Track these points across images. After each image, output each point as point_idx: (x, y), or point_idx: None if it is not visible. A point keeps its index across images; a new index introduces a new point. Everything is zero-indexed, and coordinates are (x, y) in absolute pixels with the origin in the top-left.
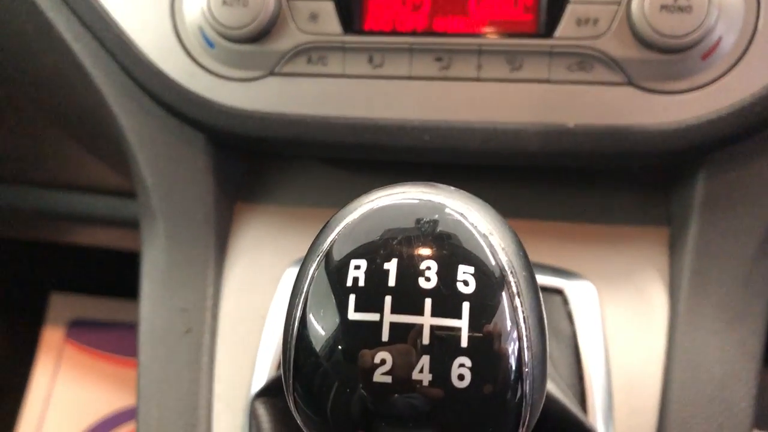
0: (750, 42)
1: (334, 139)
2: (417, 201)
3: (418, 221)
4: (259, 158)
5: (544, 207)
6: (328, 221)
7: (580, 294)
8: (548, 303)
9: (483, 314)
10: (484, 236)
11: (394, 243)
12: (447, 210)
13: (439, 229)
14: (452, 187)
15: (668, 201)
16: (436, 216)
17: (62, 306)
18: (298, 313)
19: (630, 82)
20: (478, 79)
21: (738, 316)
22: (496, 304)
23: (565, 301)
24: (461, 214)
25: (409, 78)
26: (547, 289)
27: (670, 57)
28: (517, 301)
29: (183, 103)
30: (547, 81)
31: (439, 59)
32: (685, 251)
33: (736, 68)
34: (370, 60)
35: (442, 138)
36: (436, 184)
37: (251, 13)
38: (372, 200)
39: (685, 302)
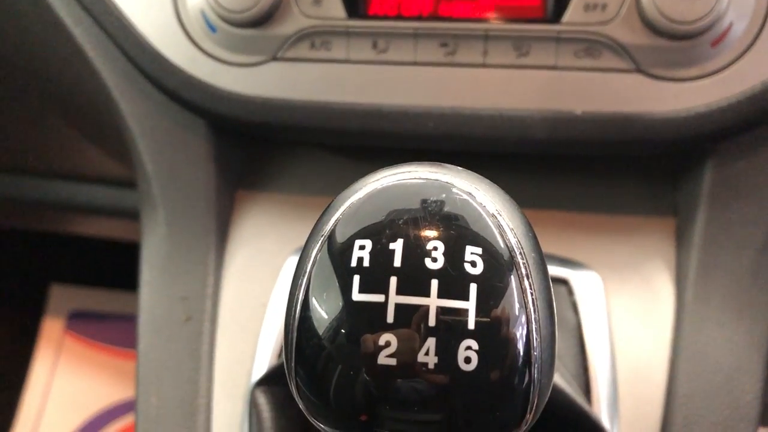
0: (761, 28)
1: (336, 125)
2: (423, 180)
3: (424, 201)
4: (261, 146)
5: (549, 196)
6: (331, 201)
7: (585, 284)
8: (553, 293)
9: (491, 296)
10: (493, 216)
11: (400, 223)
12: (454, 189)
13: (446, 209)
14: (459, 167)
15: (675, 191)
16: (443, 196)
17: (62, 297)
18: (301, 296)
19: (638, 69)
20: (484, 65)
21: (745, 308)
22: (504, 286)
23: (570, 292)
24: (469, 194)
25: (414, 64)
26: (552, 280)
27: (680, 43)
28: (526, 283)
29: (184, 88)
30: (554, 67)
31: (444, 45)
32: (692, 242)
33: (746, 55)
34: (375, 45)
35: (446, 124)
36: (443, 163)
37: None
38: (377, 180)
39: (691, 293)
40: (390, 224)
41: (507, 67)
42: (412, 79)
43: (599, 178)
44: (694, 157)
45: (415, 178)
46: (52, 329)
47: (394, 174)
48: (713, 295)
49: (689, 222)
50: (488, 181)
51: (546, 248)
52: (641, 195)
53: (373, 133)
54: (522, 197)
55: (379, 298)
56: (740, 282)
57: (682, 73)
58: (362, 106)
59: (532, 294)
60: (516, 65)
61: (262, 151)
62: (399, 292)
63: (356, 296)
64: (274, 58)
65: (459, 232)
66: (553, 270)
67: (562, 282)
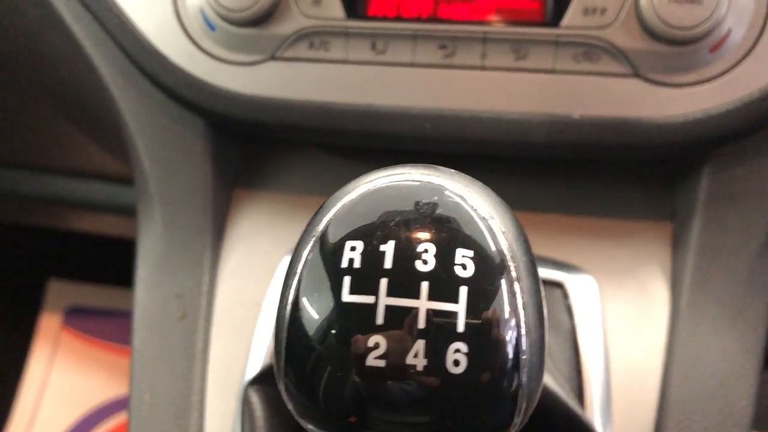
0: (760, 35)
1: (334, 125)
2: (416, 183)
3: (416, 203)
4: (259, 144)
5: (547, 199)
6: (324, 202)
7: (580, 288)
8: (548, 296)
9: (481, 299)
10: (484, 220)
11: (392, 225)
12: (447, 192)
13: (438, 211)
14: (452, 170)
15: (672, 196)
16: (436, 198)
17: (60, 292)
18: (291, 296)
19: (636, 74)
20: (482, 68)
21: (739, 314)
22: (494, 289)
23: (566, 295)
24: (461, 197)
25: (413, 65)
26: (547, 283)
27: (678, 49)
28: (516, 286)
29: (182, 86)
30: (553, 71)
31: (443, 47)
32: (688, 247)
33: (744, 62)
34: (373, 46)
35: (444, 127)
36: (436, 166)
37: None
38: (370, 181)
39: (686, 298)
40: (382, 226)
41: (505, 69)
42: (411, 80)
43: (597, 182)
44: (691, 162)
45: (408, 180)
46: (49, 324)
47: (387, 176)
48: (708, 300)
49: (685, 227)
50: (481, 183)
51: (542, 251)
52: (639, 199)
53: (371, 134)
54: (520, 200)
55: (369, 299)
56: (735, 288)
57: (680, 79)
58: (360, 106)
59: (522, 297)
60: (514, 68)
61: (260, 149)
62: (389, 293)
63: (346, 297)
64: (273, 58)
65: (450, 234)
66: (549, 273)
67: (558, 285)
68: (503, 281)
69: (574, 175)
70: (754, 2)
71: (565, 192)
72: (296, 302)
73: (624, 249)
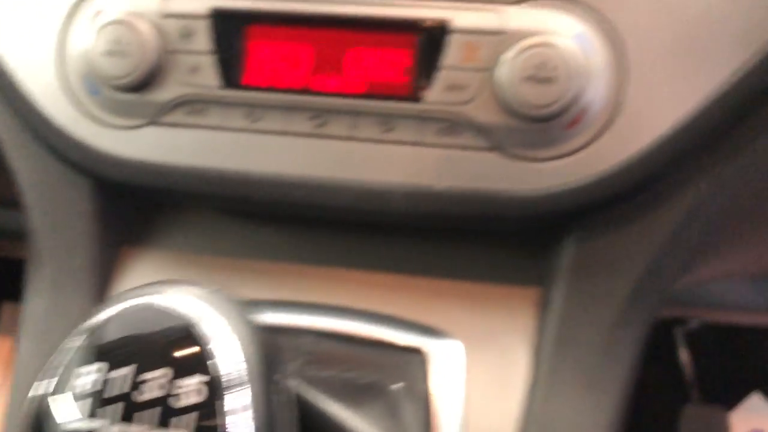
0: (614, 113)
1: (210, 190)
2: (163, 306)
3: (158, 328)
4: (148, 202)
5: (416, 262)
6: (77, 324)
7: (441, 354)
8: (408, 362)
9: (211, 426)
10: (225, 344)
11: (129, 350)
12: (191, 316)
13: (178, 335)
14: (213, 288)
15: (542, 262)
16: (178, 323)
17: (14, 316)
18: (35, 411)
19: (496, 148)
20: (352, 138)
21: (596, 383)
22: (224, 415)
23: (425, 361)
24: (206, 321)
25: (285, 134)
26: (407, 349)
27: (535, 126)
28: (248, 413)
29: (66, 147)
30: (417, 143)
31: (314, 117)
32: (551, 315)
33: (601, 138)
34: (248, 114)
35: (314, 194)
36: (194, 283)
37: (132, 64)
38: (119, 302)
39: (546, 366)
40: (119, 350)
41: (373, 141)
42: (283, 148)
43: (467, 245)
44: (555, 232)
45: (156, 303)
46: (2, 347)
47: (137, 296)
48: (566, 368)
49: (550, 294)
50: (235, 302)
51: (408, 314)
52: (509, 263)
53: (243, 199)
54: (388, 262)
55: (97, 424)
56: (593, 357)
57: (539, 154)
58: (233, 172)
59: (254, 421)
60: (382, 140)
61: (149, 207)
62: (119, 419)
63: (76, 423)
64: (153, 123)
65: (187, 360)
66: (409, 339)
67: (417, 351)
68: (234, 406)
69: (445, 237)
70: (610, 82)
71: (435, 254)
72: (39, 412)
73: (491, 314)
